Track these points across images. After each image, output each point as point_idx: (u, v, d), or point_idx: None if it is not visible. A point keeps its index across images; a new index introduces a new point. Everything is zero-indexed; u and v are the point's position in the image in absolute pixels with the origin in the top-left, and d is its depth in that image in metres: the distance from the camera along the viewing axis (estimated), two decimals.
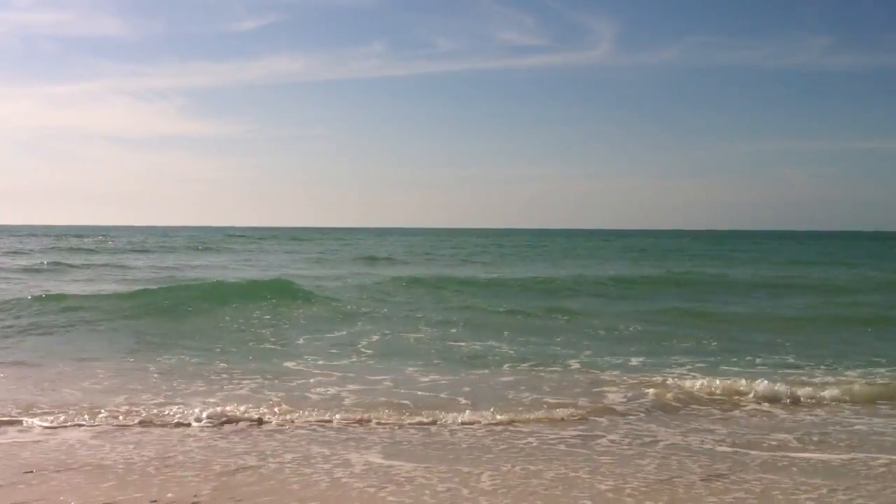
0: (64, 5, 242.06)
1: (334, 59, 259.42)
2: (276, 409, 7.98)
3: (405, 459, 6.40)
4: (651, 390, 9.23)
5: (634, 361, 11.52)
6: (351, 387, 9.38)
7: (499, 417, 7.89)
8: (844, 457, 6.65)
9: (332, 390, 9.17)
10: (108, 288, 20.20)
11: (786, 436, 7.41)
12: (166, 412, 7.86)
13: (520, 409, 8.31)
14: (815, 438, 7.30)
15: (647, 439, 7.20)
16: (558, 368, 10.97)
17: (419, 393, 9.14)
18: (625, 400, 8.84)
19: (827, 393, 9.13)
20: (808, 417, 8.26)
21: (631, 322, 15.92)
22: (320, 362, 11.04)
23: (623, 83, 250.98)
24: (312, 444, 6.86)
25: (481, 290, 22.34)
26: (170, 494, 5.44)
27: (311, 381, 9.75)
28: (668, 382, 9.66)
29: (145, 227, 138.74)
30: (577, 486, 5.73)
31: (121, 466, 6.10)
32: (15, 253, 38.56)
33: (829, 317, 17.23)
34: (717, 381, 9.53)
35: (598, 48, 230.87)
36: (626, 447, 6.92)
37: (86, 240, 58.92)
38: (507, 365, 11.18)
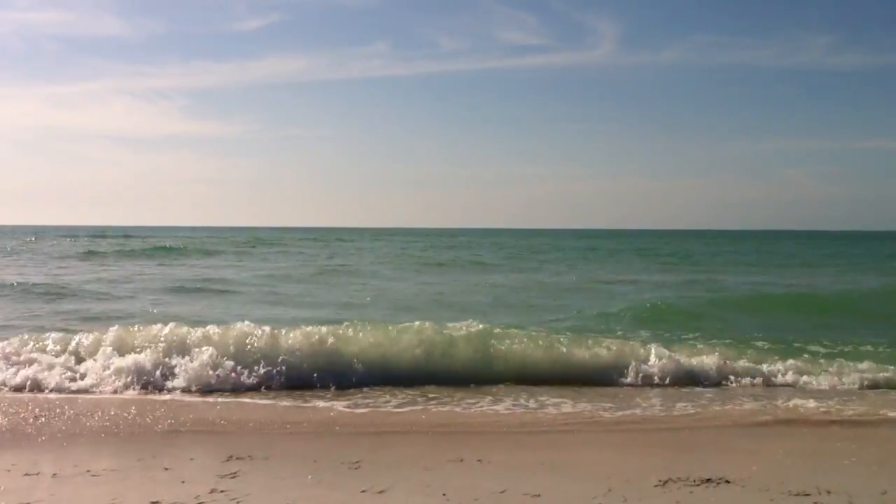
0: (66, 5, 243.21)
1: (336, 59, 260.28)
2: None
3: None
4: None
5: None
6: None
7: None
8: None
9: None
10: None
11: None
12: None
13: None
14: None
15: None
16: None
17: None
18: None
19: None
20: None
21: None
22: None
23: (625, 83, 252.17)
24: None
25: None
26: None
27: None
28: None
29: (147, 227, 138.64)
30: None
31: None
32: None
33: None
34: None
35: (600, 48, 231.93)
36: None
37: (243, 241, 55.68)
38: None
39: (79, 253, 39.69)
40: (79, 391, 9.42)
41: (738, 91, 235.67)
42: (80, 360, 10.10)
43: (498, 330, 11.91)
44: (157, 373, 9.70)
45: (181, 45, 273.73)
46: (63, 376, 9.59)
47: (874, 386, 10.42)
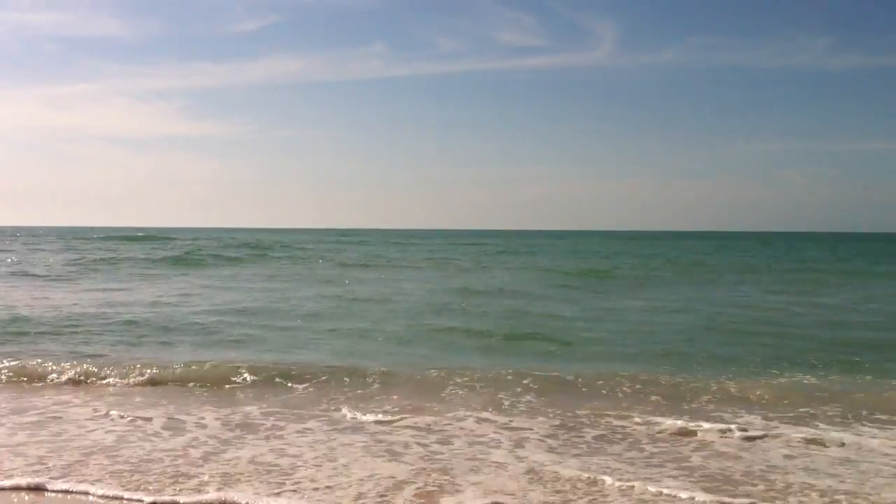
0: (64, 6, 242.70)
1: (335, 60, 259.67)
2: None
3: None
4: None
5: None
6: None
7: None
8: None
9: None
10: None
11: None
12: None
13: None
14: None
15: None
16: None
17: None
18: None
19: None
20: None
21: None
22: None
23: (624, 84, 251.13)
24: None
25: None
26: None
27: None
28: None
29: (147, 227, 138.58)
30: None
31: None
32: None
33: None
34: None
35: (599, 49, 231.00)
36: None
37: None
38: None
39: (167, 258, 36.34)
40: None
41: (737, 92, 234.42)
42: None
43: None
44: None
45: (179, 45, 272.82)
46: None
47: None
